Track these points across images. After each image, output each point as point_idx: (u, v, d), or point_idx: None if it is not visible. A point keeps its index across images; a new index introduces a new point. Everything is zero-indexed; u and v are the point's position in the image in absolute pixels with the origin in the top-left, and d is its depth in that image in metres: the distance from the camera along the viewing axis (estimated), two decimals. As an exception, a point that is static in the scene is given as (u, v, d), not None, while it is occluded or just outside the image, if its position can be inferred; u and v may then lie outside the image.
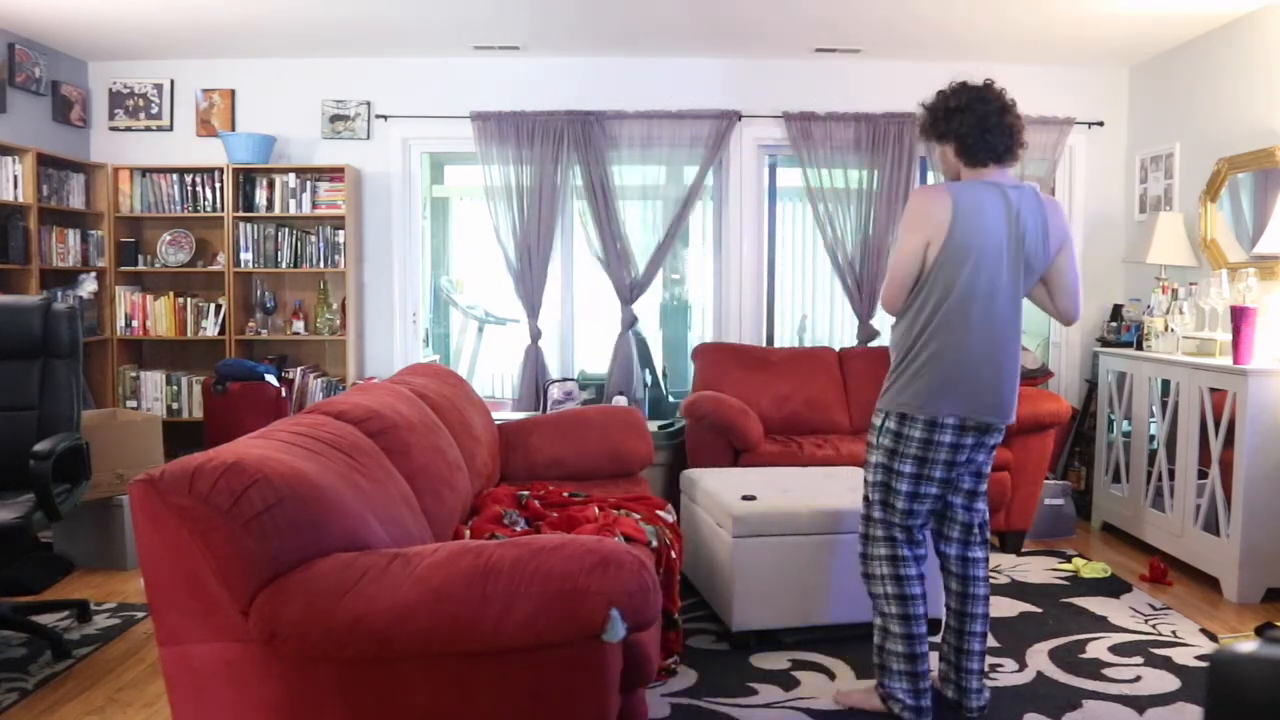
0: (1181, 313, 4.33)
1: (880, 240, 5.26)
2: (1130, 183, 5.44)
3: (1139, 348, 4.70)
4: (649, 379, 5.43)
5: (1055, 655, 3.19)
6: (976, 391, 2.57)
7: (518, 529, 2.88)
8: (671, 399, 5.54)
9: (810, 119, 5.30)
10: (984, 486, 2.78)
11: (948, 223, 2.55)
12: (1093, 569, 4.10)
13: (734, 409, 4.34)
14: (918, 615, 2.67)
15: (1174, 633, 3.40)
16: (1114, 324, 5.18)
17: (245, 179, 5.26)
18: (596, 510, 2.93)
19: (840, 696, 2.85)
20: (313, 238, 5.27)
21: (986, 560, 2.79)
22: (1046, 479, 4.67)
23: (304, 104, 5.43)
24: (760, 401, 4.70)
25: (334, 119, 5.42)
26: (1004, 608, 3.66)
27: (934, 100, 2.83)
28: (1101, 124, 5.45)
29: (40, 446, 2.99)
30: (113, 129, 5.46)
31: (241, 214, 5.23)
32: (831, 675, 3.02)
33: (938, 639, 2.94)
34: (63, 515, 3.08)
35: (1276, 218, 3.97)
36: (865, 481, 2.75)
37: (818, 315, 7.35)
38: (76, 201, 5.11)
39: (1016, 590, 3.88)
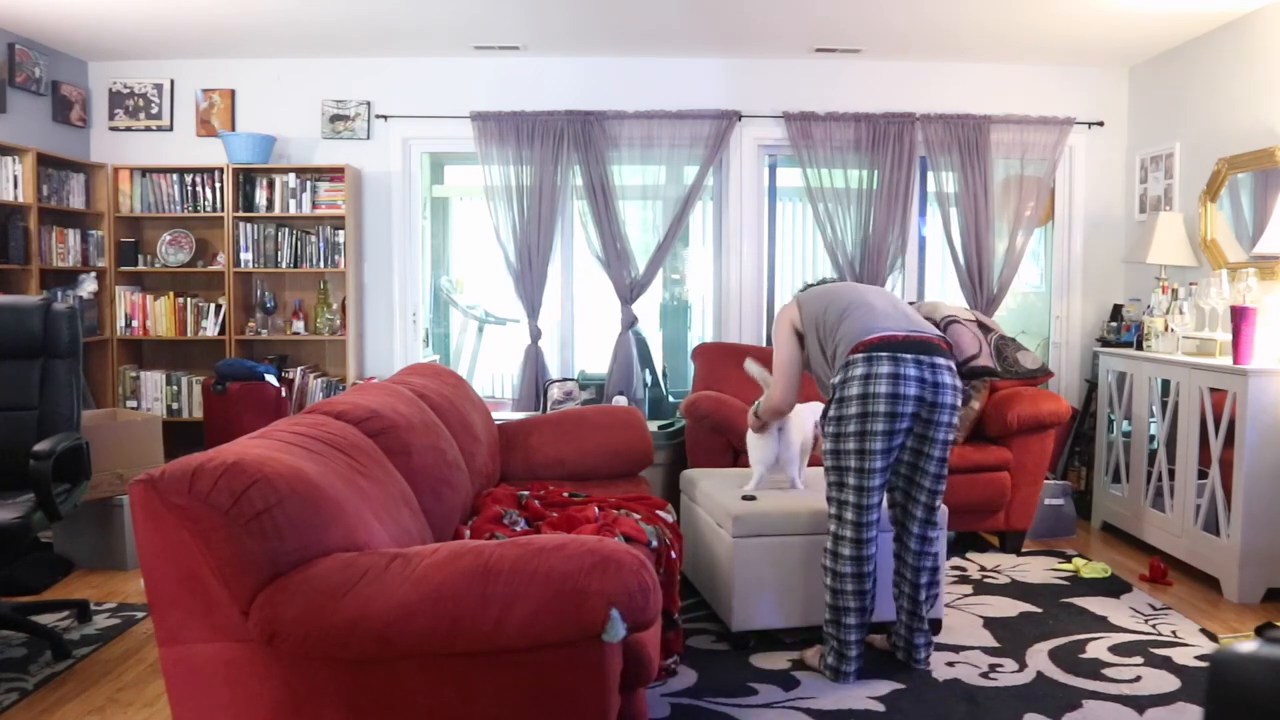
0: (1181, 313, 4.33)
1: (880, 240, 5.26)
2: (1130, 183, 5.44)
3: (1139, 348, 4.70)
4: (649, 379, 5.43)
5: (1055, 655, 3.19)
6: None
7: (518, 529, 2.88)
8: (671, 399, 5.54)
9: (810, 119, 5.30)
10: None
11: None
12: (1093, 569, 4.10)
13: (734, 409, 4.34)
14: (845, 603, 2.95)
15: (1174, 633, 3.40)
16: (1114, 324, 5.18)
17: (245, 179, 5.26)
18: (596, 510, 2.92)
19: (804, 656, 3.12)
20: (313, 238, 5.27)
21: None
22: (1046, 479, 4.67)
23: (304, 104, 5.43)
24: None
25: (334, 119, 5.43)
26: (1004, 608, 3.66)
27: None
28: (1101, 124, 5.45)
29: (40, 446, 2.98)
30: (113, 129, 5.46)
31: (241, 214, 5.23)
32: (831, 675, 3.02)
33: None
34: (63, 515, 3.08)
35: (1276, 218, 3.97)
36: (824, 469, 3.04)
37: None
38: (76, 201, 5.12)
39: (1016, 590, 3.88)
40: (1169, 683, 2.96)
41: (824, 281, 3.40)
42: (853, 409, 2.81)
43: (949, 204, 5.34)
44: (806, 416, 3.54)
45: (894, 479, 3.03)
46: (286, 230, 5.27)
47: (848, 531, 2.89)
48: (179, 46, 5.15)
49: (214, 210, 5.25)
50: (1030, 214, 5.32)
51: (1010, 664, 3.11)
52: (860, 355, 2.83)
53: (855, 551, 2.89)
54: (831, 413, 2.88)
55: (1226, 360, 3.94)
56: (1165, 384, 4.29)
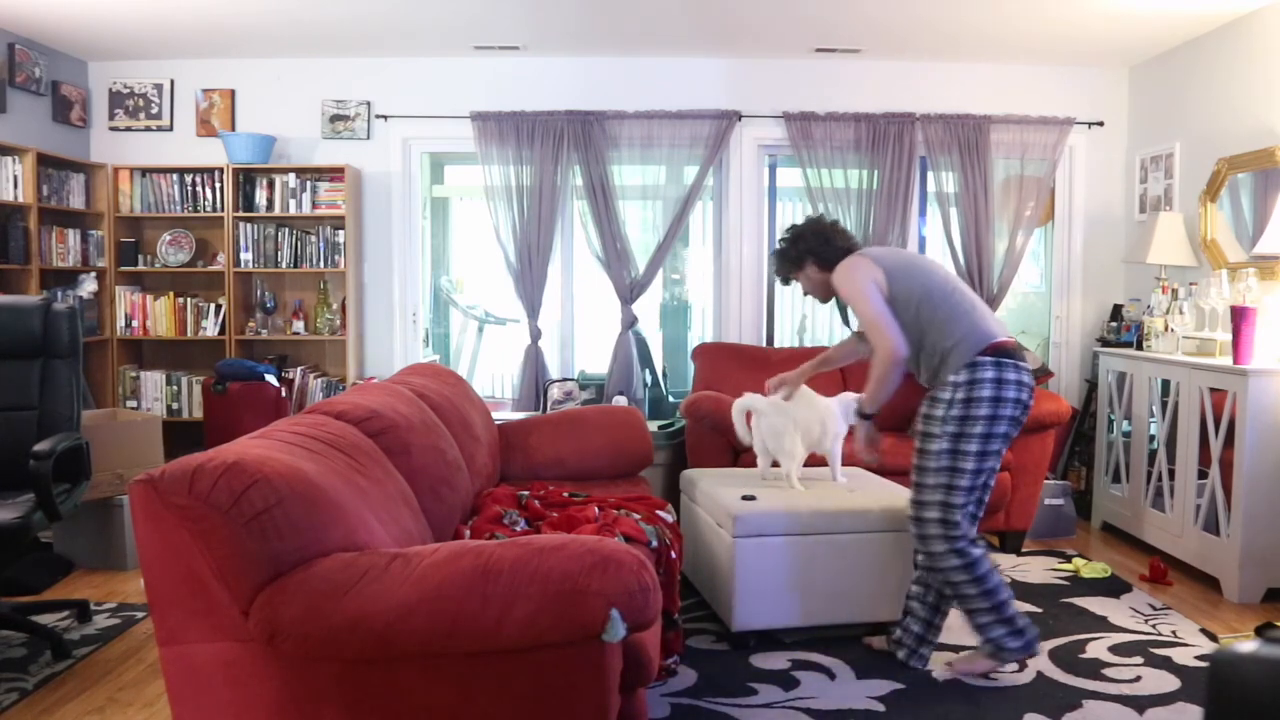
0: (1181, 313, 4.33)
1: (880, 240, 5.26)
2: (1130, 183, 5.44)
3: (1139, 348, 4.70)
4: (649, 379, 5.42)
5: (1055, 655, 3.19)
6: None
7: (518, 529, 2.88)
8: (671, 399, 5.54)
9: (810, 119, 5.30)
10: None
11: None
12: (1093, 569, 4.10)
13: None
14: (989, 572, 2.92)
15: (1174, 633, 3.40)
16: (1114, 324, 5.18)
17: (245, 179, 5.26)
18: (596, 510, 2.93)
19: (954, 666, 3.03)
20: (313, 238, 5.27)
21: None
22: (1046, 479, 4.67)
23: (304, 104, 5.43)
24: (760, 401, 4.69)
25: (334, 119, 5.42)
26: (1004, 608, 3.66)
27: (776, 245, 3.29)
28: (1101, 124, 5.45)
29: (40, 446, 2.98)
30: (113, 129, 5.46)
31: (241, 214, 5.23)
32: (831, 675, 3.02)
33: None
34: (63, 515, 3.08)
35: (1276, 218, 3.97)
36: (921, 467, 2.94)
37: (818, 315, 7.35)
38: (76, 201, 5.11)
39: (1017, 590, 3.87)
40: (1169, 683, 2.96)
41: (833, 227, 3.16)
42: (983, 410, 2.83)
43: (949, 204, 5.34)
44: (812, 409, 3.50)
45: None
46: (286, 230, 5.27)
47: (964, 528, 2.90)
48: (179, 46, 5.15)
49: (214, 210, 5.25)
50: (1030, 214, 5.32)
51: (1010, 664, 3.11)
52: (989, 359, 2.84)
53: (974, 534, 2.92)
54: (954, 412, 2.86)
55: (1226, 360, 3.94)
56: (1165, 384, 4.29)
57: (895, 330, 2.90)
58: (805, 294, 3.29)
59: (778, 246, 3.26)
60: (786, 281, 3.28)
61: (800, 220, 3.28)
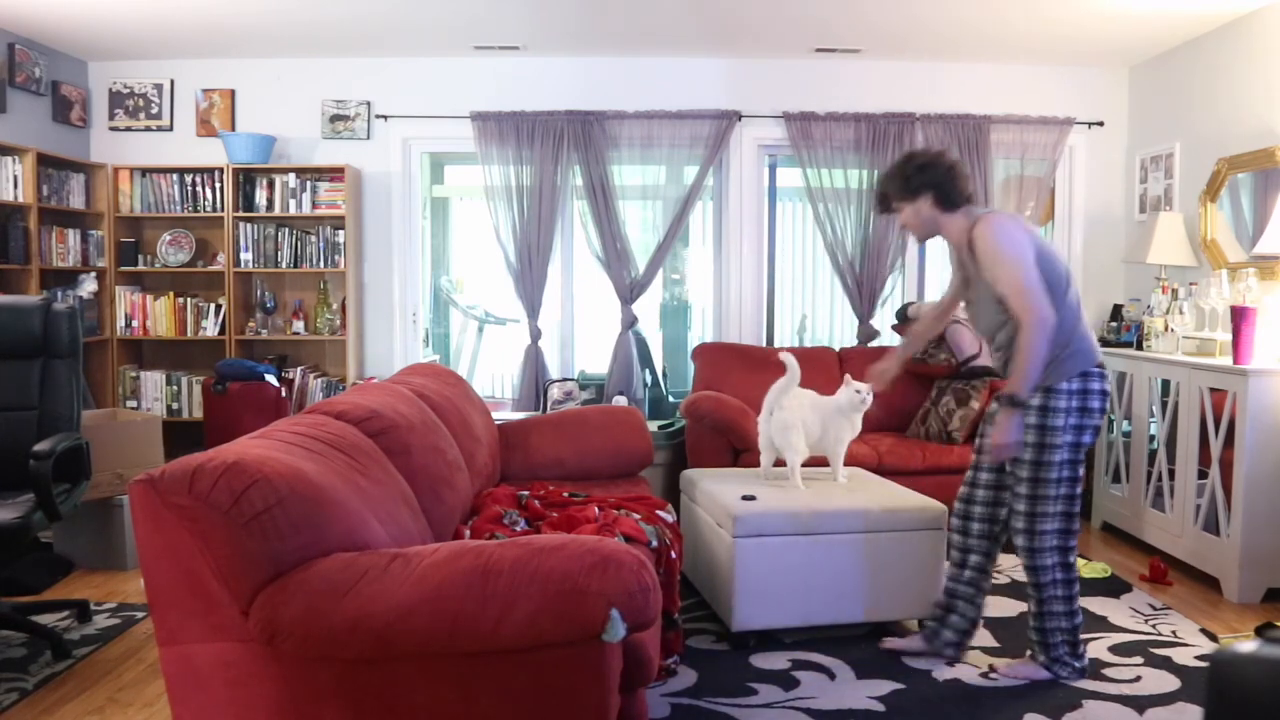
0: (1181, 313, 4.33)
1: (880, 240, 5.26)
2: (1130, 183, 5.44)
3: (1139, 348, 4.70)
4: (649, 379, 5.43)
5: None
6: None
7: (518, 529, 2.89)
8: (671, 399, 5.54)
9: (810, 119, 5.30)
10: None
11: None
12: (1093, 569, 4.10)
13: (734, 409, 4.34)
14: (1078, 592, 2.95)
15: (1174, 633, 3.40)
16: (1114, 324, 5.18)
17: (245, 179, 5.26)
18: (596, 510, 2.93)
19: (999, 669, 3.03)
20: (313, 238, 5.27)
21: None
22: (1046, 479, 4.66)
23: (304, 104, 5.43)
24: (760, 401, 4.68)
25: (334, 119, 5.42)
26: (1004, 607, 3.66)
27: (895, 167, 2.93)
28: (1101, 124, 5.45)
29: (40, 446, 2.98)
30: (113, 129, 5.46)
31: (241, 214, 5.23)
32: (832, 675, 3.02)
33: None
34: (63, 515, 3.08)
35: (1276, 218, 3.97)
36: (1039, 479, 2.84)
37: (818, 315, 7.36)
38: (76, 201, 5.12)
39: (1017, 590, 3.87)
40: (1169, 683, 2.96)
41: (960, 168, 2.85)
42: (1095, 420, 2.86)
43: (949, 204, 5.33)
44: (815, 410, 3.52)
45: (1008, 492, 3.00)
46: (286, 230, 5.27)
47: (1074, 540, 2.93)
48: (179, 46, 5.15)
49: (214, 210, 5.25)
50: (1030, 214, 5.32)
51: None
52: (1098, 371, 2.86)
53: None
54: (1073, 421, 2.82)
55: (1226, 360, 3.94)
56: (1165, 384, 4.29)
57: (1045, 300, 2.66)
58: (902, 226, 2.94)
59: (894, 169, 2.88)
60: (886, 210, 2.92)
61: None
